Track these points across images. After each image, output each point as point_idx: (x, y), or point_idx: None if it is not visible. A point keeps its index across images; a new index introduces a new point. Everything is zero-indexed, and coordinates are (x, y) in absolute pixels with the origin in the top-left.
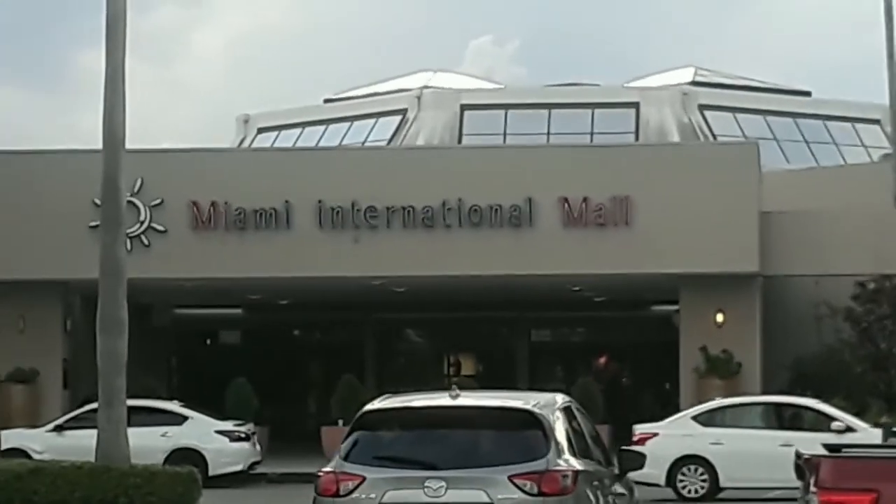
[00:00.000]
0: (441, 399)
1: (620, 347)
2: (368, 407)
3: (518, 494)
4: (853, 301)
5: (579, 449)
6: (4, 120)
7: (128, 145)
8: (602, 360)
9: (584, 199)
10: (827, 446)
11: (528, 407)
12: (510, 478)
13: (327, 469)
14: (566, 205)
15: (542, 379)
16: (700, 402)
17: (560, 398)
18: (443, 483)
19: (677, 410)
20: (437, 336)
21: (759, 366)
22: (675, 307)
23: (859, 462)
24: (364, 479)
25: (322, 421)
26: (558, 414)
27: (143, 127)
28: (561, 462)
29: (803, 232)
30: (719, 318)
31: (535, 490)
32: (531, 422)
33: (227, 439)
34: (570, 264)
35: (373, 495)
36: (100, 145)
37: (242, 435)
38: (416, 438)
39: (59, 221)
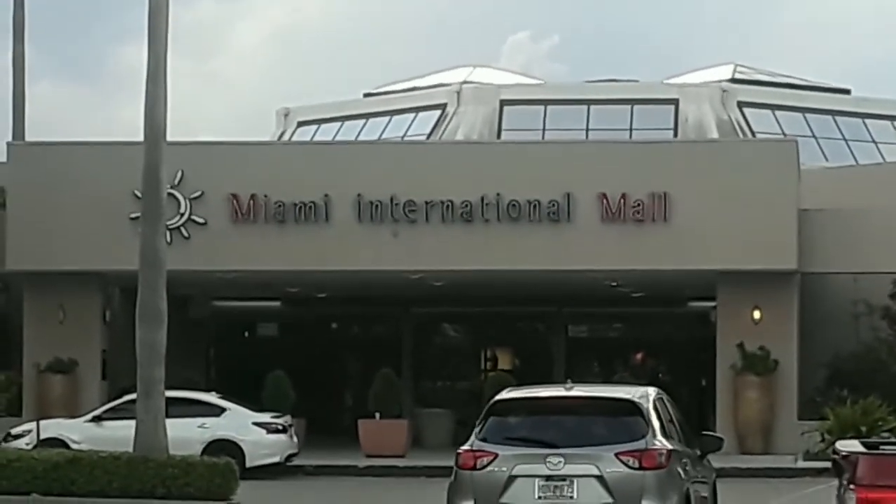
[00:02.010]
0: (558, 390)
1: (657, 343)
2: (499, 397)
3: (623, 468)
4: (891, 299)
5: (670, 432)
6: (47, 113)
7: (168, 138)
8: (639, 355)
9: (623, 196)
10: (865, 443)
11: (630, 397)
12: (616, 455)
13: (466, 448)
14: (605, 200)
15: (579, 374)
16: (736, 399)
17: (653, 391)
18: (561, 459)
19: (713, 408)
20: (475, 330)
21: (796, 363)
22: (712, 303)
23: None
24: (497, 455)
25: (359, 414)
26: (653, 403)
27: (184, 120)
28: (657, 442)
29: (841, 230)
30: (756, 314)
31: (637, 465)
32: (632, 409)
33: (264, 431)
34: (608, 260)
35: (504, 468)
36: (141, 138)
37: (280, 427)
38: (538, 422)
39: (100, 213)
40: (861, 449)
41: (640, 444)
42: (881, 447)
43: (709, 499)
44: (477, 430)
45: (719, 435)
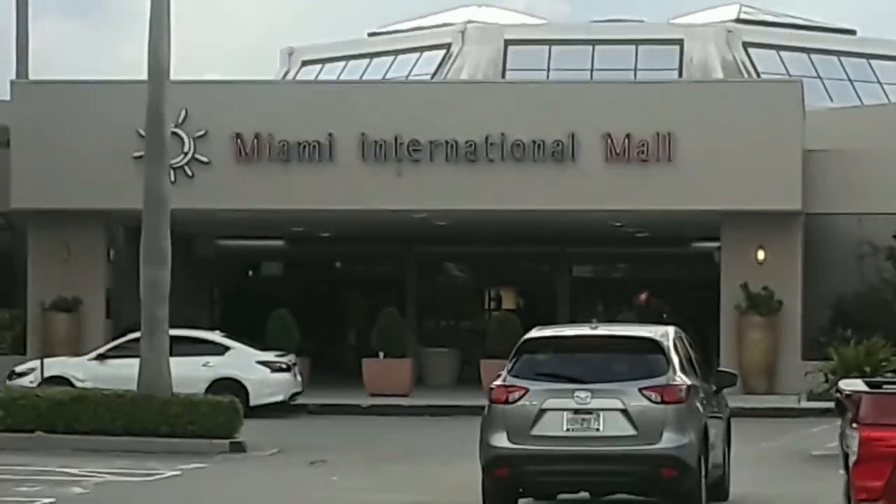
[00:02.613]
0: (584, 329)
1: (661, 284)
2: (528, 336)
3: (646, 402)
4: (895, 240)
5: (688, 369)
6: (50, 51)
7: (172, 77)
8: (643, 296)
9: (627, 136)
10: (868, 383)
11: (652, 336)
12: (640, 390)
13: (498, 383)
14: (609, 141)
15: (583, 314)
16: (740, 340)
17: (672, 330)
18: (588, 393)
19: (717, 348)
20: (478, 270)
21: (800, 303)
22: (716, 244)
23: None
24: (527, 390)
25: (363, 353)
26: (673, 341)
27: (188, 59)
28: (677, 378)
29: (846, 170)
30: (760, 255)
31: (659, 399)
32: (655, 347)
33: (268, 370)
34: (612, 200)
35: (535, 402)
36: (145, 76)
37: (283, 366)
38: (566, 359)
39: (104, 152)
40: (864, 388)
41: (661, 380)
42: (884, 386)
43: (723, 433)
44: (509, 366)
45: (733, 371)
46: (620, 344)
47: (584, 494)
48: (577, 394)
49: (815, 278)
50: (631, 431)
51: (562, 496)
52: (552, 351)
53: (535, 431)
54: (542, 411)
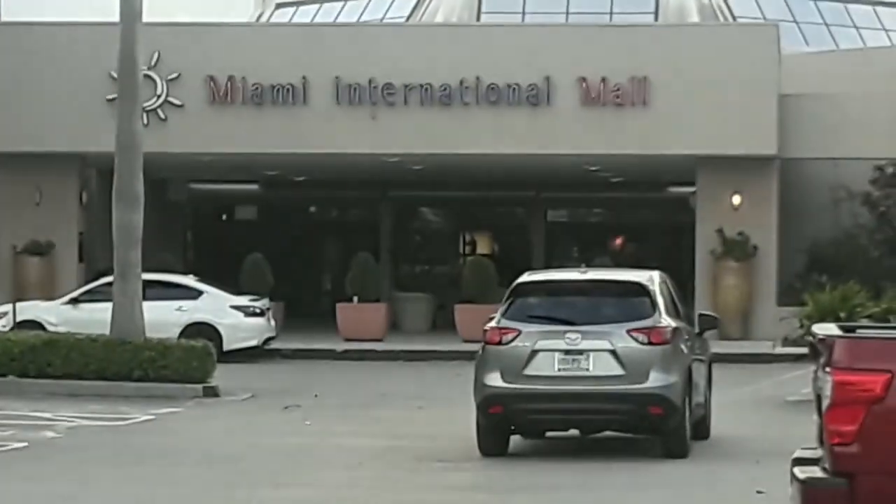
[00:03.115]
0: (574, 274)
1: (636, 229)
2: (520, 280)
3: (633, 344)
4: (871, 185)
5: (673, 312)
6: None
7: (145, 18)
8: (618, 240)
9: (603, 79)
10: (842, 327)
11: (639, 280)
12: (627, 331)
13: (492, 325)
14: (584, 84)
15: (558, 259)
16: (715, 285)
17: (657, 274)
18: (578, 335)
19: (692, 293)
20: (453, 215)
21: (776, 248)
22: (691, 189)
23: (874, 342)
24: (520, 332)
25: (337, 298)
26: (658, 285)
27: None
28: (663, 320)
29: (822, 115)
30: (736, 200)
31: (646, 340)
32: (641, 291)
33: (241, 314)
34: (588, 144)
35: (527, 343)
36: (116, 18)
37: (257, 310)
38: (556, 303)
39: (76, 94)
40: (838, 332)
41: (648, 322)
42: (858, 331)
43: (706, 373)
44: (502, 309)
45: (715, 315)
46: (608, 288)
47: (571, 433)
48: (567, 335)
49: (790, 223)
50: (619, 371)
51: (550, 434)
52: (544, 294)
53: (528, 371)
54: (535, 352)
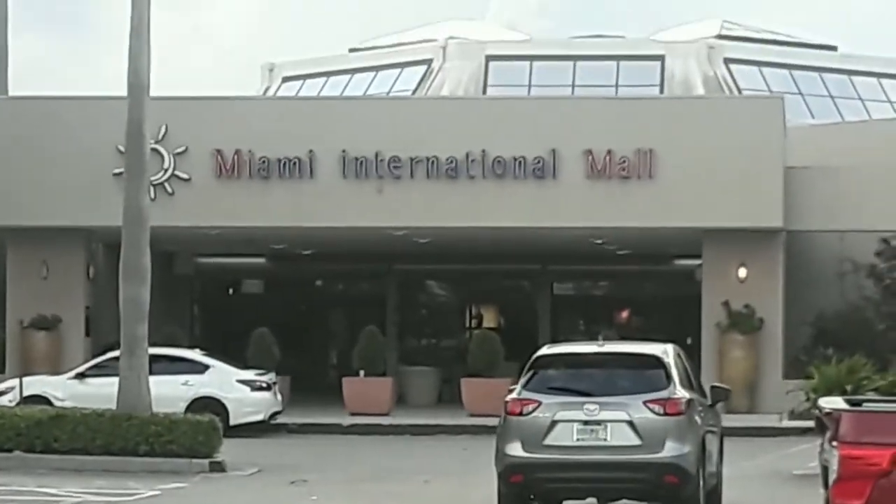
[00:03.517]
0: (592, 346)
1: (643, 301)
2: (540, 352)
3: (649, 414)
4: (876, 257)
5: (687, 384)
6: (31, 65)
7: (152, 92)
8: (624, 313)
9: (609, 152)
10: (848, 400)
11: (655, 352)
12: (644, 402)
13: (513, 396)
14: (590, 157)
15: (564, 332)
16: (721, 358)
17: (671, 347)
18: (597, 406)
19: (699, 366)
20: (460, 288)
21: (781, 321)
22: (697, 261)
23: (881, 416)
24: (540, 403)
25: (343, 372)
26: (673, 357)
27: (169, 74)
28: (678, 392)
29: (828, 187)
30: (742, 272)
31: (662, 412)
32: (657, 363)
33: (248, 388)
34: (594, 217)
35: (547, 414)
36: (125, 92)
37: (264, 384)
38: (575, 374)
39: (84, 168)
40: (844, 406)
41: (664, 394)
42: (864, 404)
43: (718, 444)
44: (522, 381)
45: (727, 387)
46: (625, 360)
47: (589, 501)
48: (586, 406)
49: (796, 296)
50: (636, 441)
51: (568, 502)
52: (563, 366)
53: (548, 441)
54: (554, 423)
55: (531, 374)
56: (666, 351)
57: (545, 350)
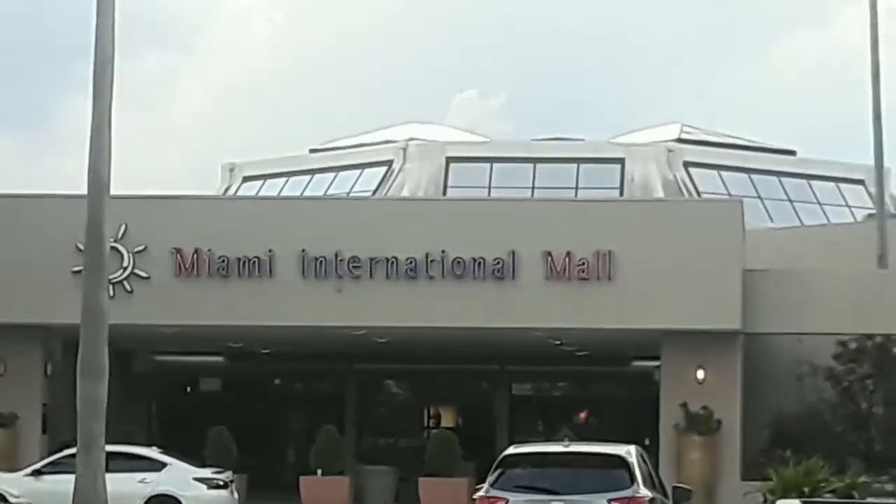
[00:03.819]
0: (558, 446)
1: (601, 402)
2: (507, 452)
3: None
4: (835, 360)
5: (650, 483)
6: None
7: (112, 191)
8: (582, 414)
9: (568, 254)
10: (805, 502)
11: (618, 453)
12: (608, 501)
13: (480, 494)
14: (549, 259)
15: (522, 432)
16: (679, 459)
17: (634, 448)
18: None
19: (657, 467)
20: (418, 387)
21: (740, 423)
22: (656, 363)
23: None
24: (508, 500)
25: (301, 471)
26: (637, 458)
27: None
28: (641, 491)
29: (786, 290)
30: (700, 374)
31: None
32: (620, 463)
33: (205, 486)
34: (552, 318)
35: None
36: (84, 190)
37: (221, 483)
38: (542, 473)
39: (42, 265)
40: None
41: (627, 493)
42: None
43: None
44: (490, 479)
45: (689, 487)
46: (590, 460)
47: None
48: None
49: (754, 397)
50: None
51: None
52: (529, 465)
53: None
54: None
55: (498, 472)
56: (629, 451)
57: (512, 449)
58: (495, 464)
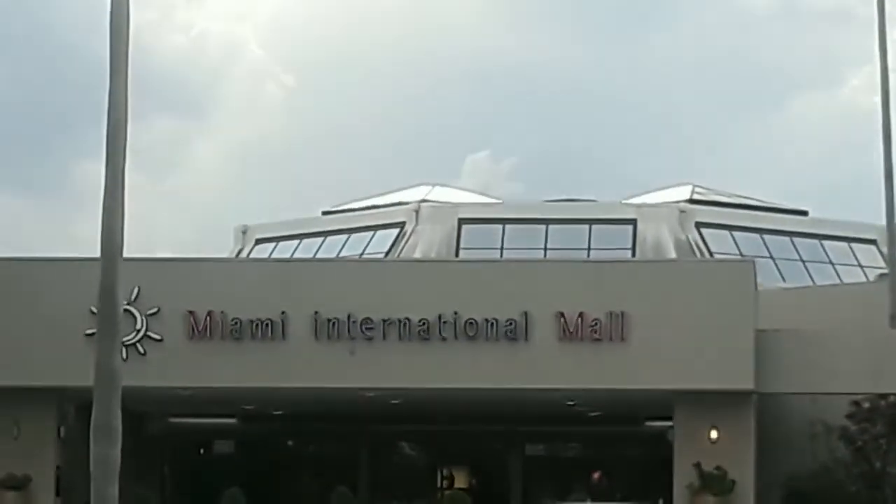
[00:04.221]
0: None
1: (614, 462)
2: None
3: None
4: (848, 420)
5: None
6: (2, 226)
7: (126, 254)
8: (596, 475)
9: (580, 315)
10: None
11: None
12: None
13: None
14: (562, 319)
15: (536, 493)
16: None
17: None
18: None
19: None
20: (431, 449)
21: (753, 483)
22: (669, 423)
23: None
24: None
25: None
26: None
27: (142, 236)
28: None
29: (799, 350)
30: (713, 434)
31: None
32: None
33: None
34: (566, 379)
35: None
36: (97, 254)
37: None
38: None
39: (56, 328)
40: None
41: None
42: None
43: None
44: None
45: None
46: None
47: None
48: None
49: (768, 457)
50: None
51: None
52: None
53: None
54: None
55: None
56: None
57: None
58: None
